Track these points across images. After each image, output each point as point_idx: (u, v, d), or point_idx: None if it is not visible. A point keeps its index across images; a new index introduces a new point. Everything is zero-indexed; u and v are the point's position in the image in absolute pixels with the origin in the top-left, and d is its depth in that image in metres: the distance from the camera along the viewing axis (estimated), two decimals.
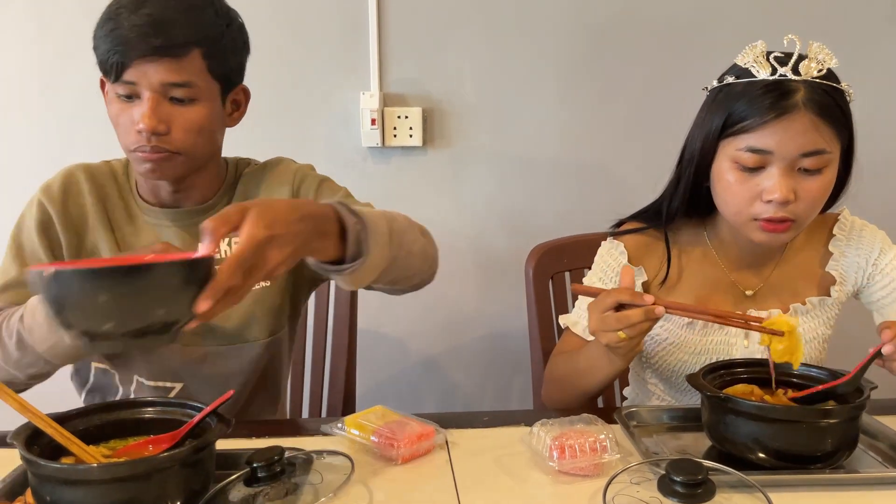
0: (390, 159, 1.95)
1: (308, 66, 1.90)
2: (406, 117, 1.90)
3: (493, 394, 2.06)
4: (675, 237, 1.29)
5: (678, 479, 0.83)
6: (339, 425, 1.05)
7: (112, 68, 1.09)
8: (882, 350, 0.99)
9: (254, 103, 1.91)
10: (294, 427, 1.19)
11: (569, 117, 1.95)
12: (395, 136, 1.91)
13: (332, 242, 0.93)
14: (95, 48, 1.12)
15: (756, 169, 1.12)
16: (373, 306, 1.99)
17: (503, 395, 2.06)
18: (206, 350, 1.23)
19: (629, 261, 1.26)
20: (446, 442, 1.06)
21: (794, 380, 1.07)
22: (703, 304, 1.25)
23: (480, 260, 2.00)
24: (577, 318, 1.30)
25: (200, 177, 1.24)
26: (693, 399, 1.26)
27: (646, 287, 1.27)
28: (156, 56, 1.08)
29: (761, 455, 0.96)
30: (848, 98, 1.13)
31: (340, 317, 1.63)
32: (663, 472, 0.86)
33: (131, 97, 1.11)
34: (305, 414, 1.64)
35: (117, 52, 1.08)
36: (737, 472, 0.88)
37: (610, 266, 1.28)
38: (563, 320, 1.33)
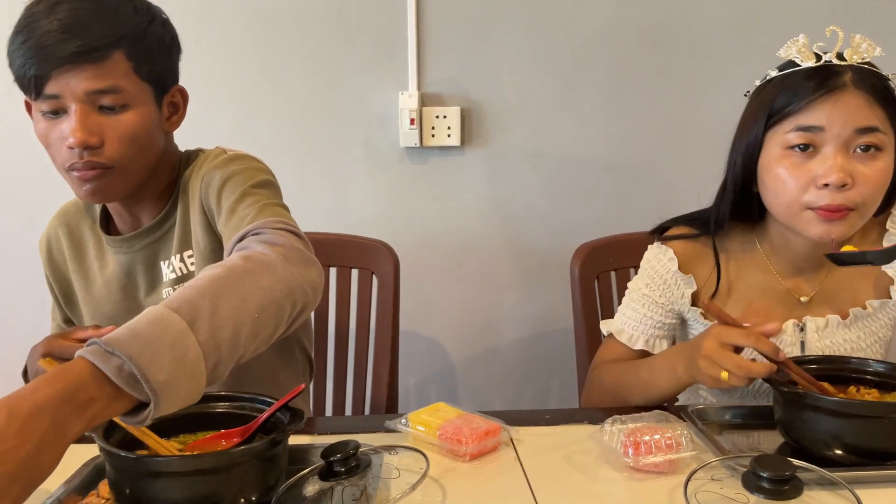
0: (428, 159, 1.94)
1: (346, 66, 1.89)
2: (444, 117, 1.89)
3: (531, 396, 2.04)
4: (724, 244, 1.24)
5: (765, 476, 0.81)
6: (403, 421, 1.03)
7: (31, 83, 1.01)
8: None
9: (290, 104, 1.92)
10: (357, 423, 1.17)
11: (611, 118, 1.93)
12: (433, 135, 1.90)
13: (104, 403, 0.67)
14: (11, 64, 1.03)
15: (807, 151, 1.07)
16: (411, 308, 1.97)
17: (541, 399, 2.04)
18: None
19: (679, 268, 1.23)
20: (511, 440, 1.04)
21: (868, 377, 1.05)
22: (755, 311, 1.21)
23: (519, 261, 1.98)
24: (622, 326, 1.27)
25: (149, 189, 1.15)
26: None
27: (695, 297, 1.23)
28: (76, 63, 0.99)
29: (839, 452, 0.93)
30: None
31: (384, 315, 1.61)
32: (745, 468, 0.83)
33: (57, 112, 1.03)
34: (349, 413, 1.62)
35: (34, 63, 0.99)
36: (822, 469, 0.86)
37: (657, 272, 1.24)
38: (606, 327, 1.30)
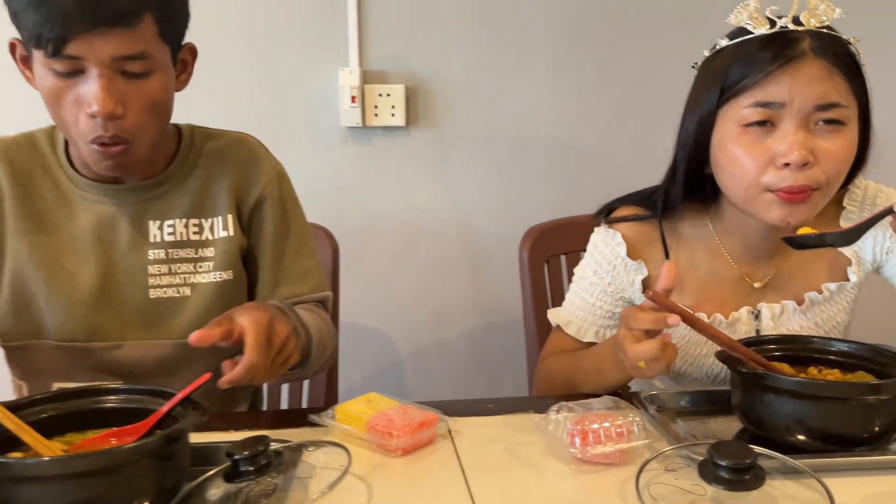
0: (372, 140, 1.84)
1: (283, 40, 1.78)
2: (388, 95, 1.79)
3: (484, 387, 1.95)
4: (675, 228, 1.16)
5: (723, 465, 0.73)
6: (330, 414, 0.93)
7: (48, 42, 0.91)
8: (894, 206, 0.86)
9: (225, 80, 1.79)
10: (278, 418, 1.06)
11: (564, 97, 1.85)
12: (376, 115, 1.80)
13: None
14: (15, 14, 0.93)
15: (765, 128, 0.99)
16: (356, 298, 1.88)
17: (495, 389, 1.96)
18: (163, 347, 1.10)
19: (628, 253, 1.14)
20: (449, 431, 0.94)
21: (830, 357, 0.98)
22: (708, 299, 1.14)
23: (469, 247, 1.89)
24: (570, 317, 1.18)
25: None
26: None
27: (647, 284, 1.15)
28: (105, 27, 0.91)
29: (802, 437, 0.86)
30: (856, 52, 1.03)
31: None
32: (702, 457, 0.76)
33: (73, 73, 0.94)
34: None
35: (56, 24, 0.90)
36: (785, 456, 0.78)
37: (605, 258, 1.16)
38: (553, 317, 1.22)
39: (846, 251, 1.17)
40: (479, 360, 1.94)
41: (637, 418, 0.87)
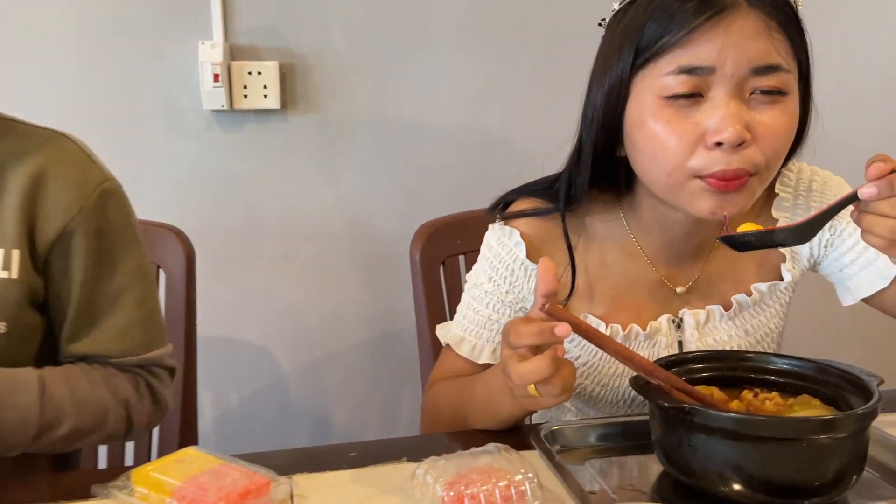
0: (242, 126, 1.58)
1: (134, 10, 1.50)
2: (259, 73, 1.54)
3: (380, 408, 1.73)
4: (583, 224, 0.96)
5: None
6: (123, 483, 0.69)
7: None
8: (859, 192, 0.69)
9: (67, 56, 1.52)
10: (56, 488, 0.78)
11: (463, 78, 1.63)
12: (245, 96, 1.54)
13: None
14: None
15: (692, 100, 0.80)
16: (228, 308, 1.63)
17: (392, 409, 1.73)
18: None
19: (528, 255, 0.94)
20: (291, 496, 0.72)
21: (770, 376, 0.80)
22: (623, 307, 0.95)
23: (360, 247, 1.66)
24: (462, 333, 0.97)
25: None
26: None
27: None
28: None
29: (739, 488, 0.67)
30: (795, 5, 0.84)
31: (173, 318, 1.25)
32: None
33: None
34: (129, 459, 1.25)
35: None
36: None
37: (502, 261, 0.95)
38: (442, 335, 1.01)
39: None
40: (374, 373, 1.71)
41: (531, 474, 0.66)
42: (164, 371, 0.94)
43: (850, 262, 0.98)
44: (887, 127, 1.78)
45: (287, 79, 1.57)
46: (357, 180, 1.64)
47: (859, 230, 0.95)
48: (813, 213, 0.72)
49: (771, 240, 0.73)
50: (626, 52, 0.83)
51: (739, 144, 0.79)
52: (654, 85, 0.81)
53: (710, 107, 0.80)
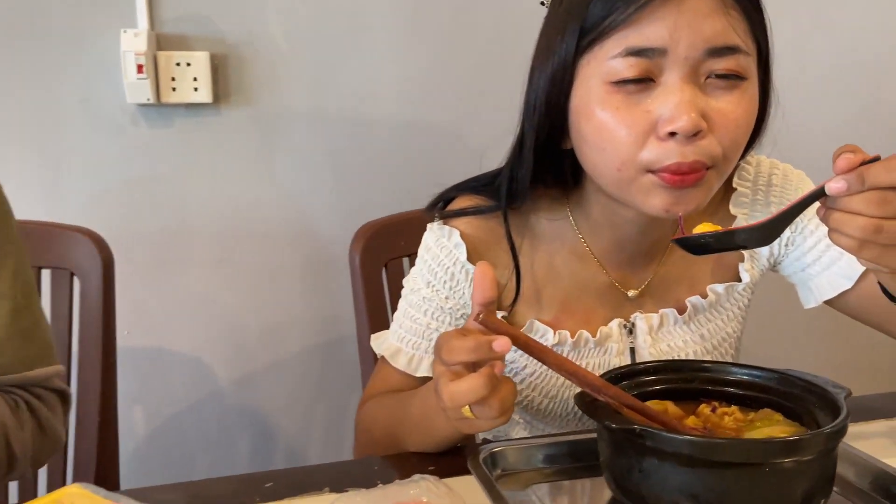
0: (171, 121, 1.48)
1: None
2: (188, 64, 1.44)
3: (326, 420, 1.63)
4: (528, 223, 0.89)
5: None
6: None
7: None
8: (826, 187, 0.62)
9: None
10: None
11: (409, 70, 1.55)
12: (174, 89, 1.44)
13: None
14: None
15: (643, 85, 0.72)
16: (157, 318, 1.52)
17: (339, 421, 1.64)
18: None
19: (469, 257, 0.86)
20: None
21: (728, 388, 0.73)
22: (572, 313, 0.87)
23: (302, 249, 1.57)
24: (399, 344, 0.89)
25: None
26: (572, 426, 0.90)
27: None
28: None
29: None
30: None
31: (88, 331, 1.15)
32: None
33: None
34: (41, 489, 1.14)
35: None
36: None
37: (441, 264, 0.87)
38: (377, 346, 0.93)
39: None
40: (319, 384, 1.62)
41: None
42: (53, 395, 0.83)
43: (813, 261, 0.92)
44: (847, 118, 1.73)
45: (219, 70, 1.47)
46: (297, 178, 1.54)
47: (823, 227, 0.89)
48: (775, 210, 0.65)
49: (731, 241, 0.66)
50: (570, 32, 0.75)
51: (695, 134, 0.72)
52: (600, 69, 0.74)
53: (662, 92, 0.72)
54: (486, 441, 0.88)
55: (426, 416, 0.77)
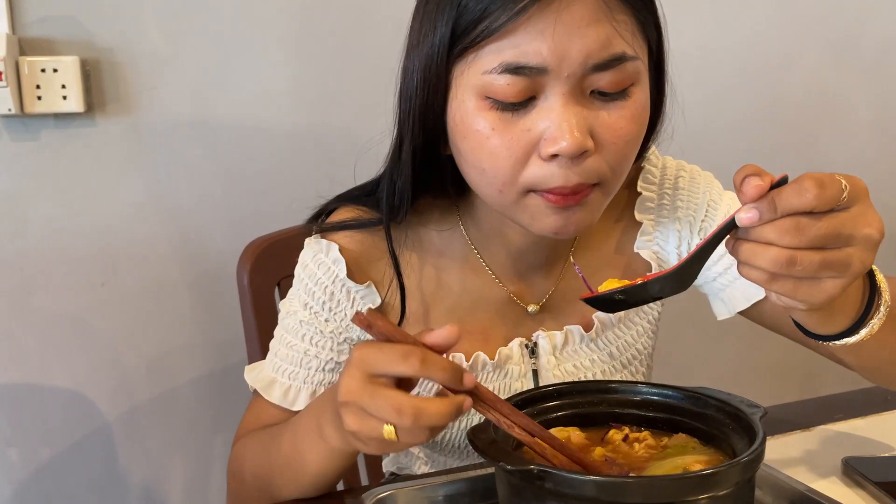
0: (38, 133, 1.34)
1: None
2: (55, 71, 1.30)
3: (223, 458, 1.51)
4: (417, 235, 0.82)
5: None
6: None
7: None
8: (737, 218, 0.56)
9: None
10: None
11: (303, 72, 1.45)
12: (39, 97, 1.30)
13: None
14: None
15: (522, 105, 0.67)
16: (25, 346, 1.37)
17: None
18: None
19: (349, 273, 0.79)
20: None
21: (639, 411, 0.66)
22: (468, 332, 0.80)
23: (191, 270, 1.45)
24: (273, 374, 0.80)
25: None
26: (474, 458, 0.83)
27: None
28: None
29: None
30: None
31: None
32: None
33: None
34: None
35: None
36: None
37: (319, 283, 0.79)
38: (251, 379, 0.83)
39: (644, 253, 0.87)
40: (215, 416, 1.50)
41: None
42: None
43: (724, 269, 0.87)
44: (746, 118, 1.73)
45: (91, 77, 1.34)
46: (182, 192, 1.42)
47: None
48: (686, 254, 0.60)
49: (645, 293, 0.60)
50: (441, 24, 0.68)
51: (580, 154, 0.66)
52: (476, 83, 0.67)
53: (543, 110, 0.66)
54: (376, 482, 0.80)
55: (298, 451, 0.68)
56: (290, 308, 0.81)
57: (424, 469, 0.87)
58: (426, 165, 0.74)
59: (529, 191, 0.68)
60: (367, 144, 1.49)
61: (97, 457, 1.44)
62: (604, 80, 0.66)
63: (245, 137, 1.43)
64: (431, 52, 0.69)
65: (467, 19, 0.66)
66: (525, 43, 0.64)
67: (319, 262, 0.79)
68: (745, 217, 0.55)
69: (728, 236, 0.59)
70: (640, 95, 0.70)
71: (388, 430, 0.57)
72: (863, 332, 0.64)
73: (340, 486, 1.20)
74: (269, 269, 1.15)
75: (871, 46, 1.82)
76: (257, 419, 0.81)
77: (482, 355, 0.79)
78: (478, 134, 0.68)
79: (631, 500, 0.50)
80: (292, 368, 0.79)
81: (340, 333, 0.79)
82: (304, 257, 0.82)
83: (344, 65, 1.48)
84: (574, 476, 0.51)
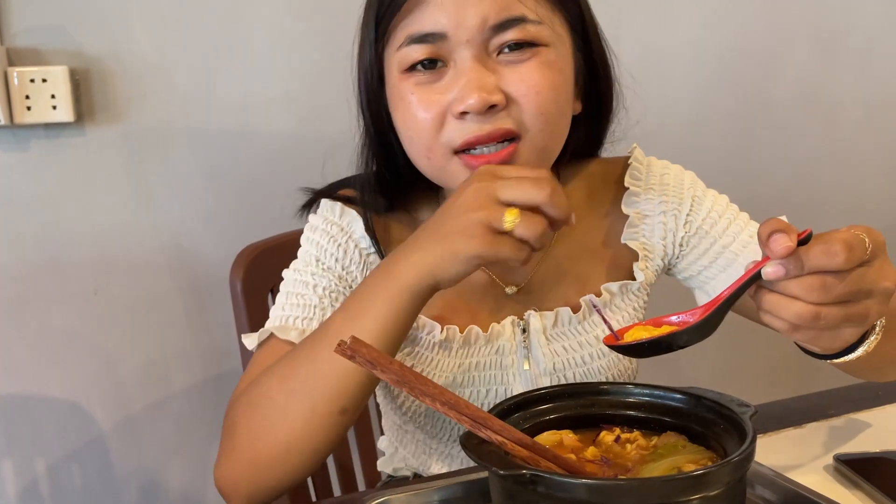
0: (28, 144, 1.34)
1: None
2: (44, 81, 1.30)
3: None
4: (413, 219, 0.87)
5: None
6: None
7: None
8: (763, 272, 0.58)
9: None
10: None
11: (294, 77, 1.45)
12: (29, 108, 1.30)
13: None
14: None
15: (435, 70, 0.74)
16: (18, 355, 1.38)
17: None
18: None
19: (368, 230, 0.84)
20: None
21: (630, 412, 0.67)
22: (454, 311, 0.83)
23: (184, 277, 1.45)
24: (289, 312, 0.82)
25: None
26: None
27: None
28: None
29: None
30: None
31: None
32: None
33: None
34: None
35: None
36: None
37: (333, 239, 0.83)
38: (251, 341, 0.83)
39: (633, 243, 0.89)
40: (211, 423, 1.50)
41: None
42: None
43: (710, 262, 0.90)
44: (733, 115, 1.73)
45: (81, 86, 1.34)
46: (175, 200, 1.42)
47: (718, 228, 0.87)
48: (709, 302, 0.61)
49: (675, 344, 0.61)
50: (370, 26, 0.77)
51: (490, 109, 0.71)
52: (395, 59, 0.76)
53: (453, 75, 0.73)
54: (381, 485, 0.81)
55: (357, 305, 0.71)
56: (298, 267, 0.84)
57: (437, 469, 0.89)
58: (388, 155, 0.81)
59: (452, 153, 0.74)
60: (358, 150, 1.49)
61: (94, 465, 1.44)
62: (506, 39, 0.72)
63: (236, 144, 1.44)
64: (365, 44, 0.79)
65: (383, 8, 0.75)
66: (427, 16, 0.72)
67: (331, 222, 0.84)
68: (772, 272, 0.57)
69: (756, 284, 0.60)
70: (550, 55, 0.74)
71: (509, 219, 0.64)
72: (860, 351, 0.66)
73: (337, 492, 1.20)
74: (261, 276, 1.15)
75: (859, 44, 1.83)
76: (266, 365, 0.77)
77: (476, 328, 0.82)
78: (402, 103, 0.75)
79: (623, 502, 0.51)
80: (306, 315, 0.80)
81: (356, 279, 0.83)
82: (314, 221, 0.86)
83: (334, 71, 1.47)
84: (566, 479, 0.52)
